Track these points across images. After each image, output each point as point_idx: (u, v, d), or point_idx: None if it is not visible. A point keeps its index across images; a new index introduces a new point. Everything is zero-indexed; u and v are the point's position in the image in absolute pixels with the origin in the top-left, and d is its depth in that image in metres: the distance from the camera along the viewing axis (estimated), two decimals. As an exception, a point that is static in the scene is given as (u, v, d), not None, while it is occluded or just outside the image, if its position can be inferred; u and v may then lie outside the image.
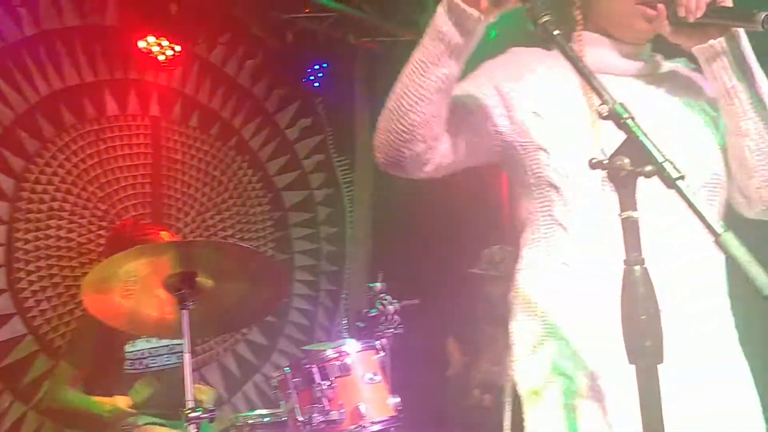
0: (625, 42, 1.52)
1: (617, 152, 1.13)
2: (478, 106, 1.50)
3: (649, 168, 1.08)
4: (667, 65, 1.60)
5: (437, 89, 1.41)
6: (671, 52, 1.57)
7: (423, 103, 1.41)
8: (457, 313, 4.69)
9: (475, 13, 1.37)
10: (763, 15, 1.32)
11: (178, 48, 4.52)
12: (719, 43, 1.41)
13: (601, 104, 1.14)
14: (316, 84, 5.38)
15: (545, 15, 1.27)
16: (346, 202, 5.65)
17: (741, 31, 1.42)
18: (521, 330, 1.51)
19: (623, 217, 1.12)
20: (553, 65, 1.50)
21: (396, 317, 3.41)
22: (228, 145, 5.04)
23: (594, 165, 1.14)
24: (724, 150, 1.49)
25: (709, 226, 1.04)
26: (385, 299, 3.42)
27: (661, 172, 1.08)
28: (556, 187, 1.41)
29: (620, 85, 1.46)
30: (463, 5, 1.37)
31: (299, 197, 5.41)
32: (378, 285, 3.47)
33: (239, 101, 5.09)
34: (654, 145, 1.09)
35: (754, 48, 1.45)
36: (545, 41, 1.29)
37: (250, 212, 5.12)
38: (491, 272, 4.23)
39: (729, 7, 1.41)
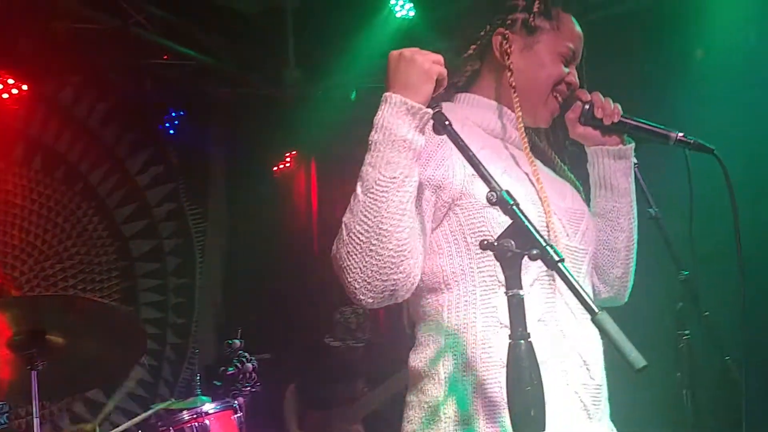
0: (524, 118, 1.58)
1: (503, 235, 1.22)
2: (422, 199, 1.42)
3: (535, 251, 1.18)
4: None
5: (414, 197, 1.34)
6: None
7: (406, 217, 1.32)
8: (308, 368, 4.66)
9: (430, 110, 1.34)
10: (676, 135, 1.50)
11: (24, 87, 4.28)
12: (627, 149, 1.59)
13: (490, 192, 1.24)
14: (172, 131, 5.27)
15: (437, 106, 1.36)
16: (196, 252, 5.51)
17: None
18: (440, 398, 1.41)
19: (510, 294, 1.21)
20: (462, 125, 1.52)
21: (254, 375, 3.36)
22: (73, 191, 4.79)
23: (484, 246, 1.23)
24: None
25: (587, 306, 1.15)
26: (244, 356, 3.37)
27: (544, 254, 1.18)
28: None
29: (514, 151, 1.57)
30: (423, 107, 1.33)
31: (148, 246, 5.22)
32: (236, 342, 3.40)
33: (88, 145, 4.88)
34: (536, 230, 1.20)
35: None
36: (438, 128, 1.35)
37: (95, 261, 4.86)
38: (350, 342, 4.23)
39: (642, 122, 1.56)
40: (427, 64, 1.35)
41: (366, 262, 1.32)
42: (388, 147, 1.33)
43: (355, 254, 1.33)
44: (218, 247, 5.62)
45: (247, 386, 3.35)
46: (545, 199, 1.48)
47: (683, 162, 1.63)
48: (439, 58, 1.38)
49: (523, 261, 1.15)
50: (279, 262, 5.60)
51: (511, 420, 1.19)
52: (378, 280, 1.33)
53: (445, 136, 1.39)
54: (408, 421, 1.46)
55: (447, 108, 1.51)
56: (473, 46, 1.58)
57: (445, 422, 1.39)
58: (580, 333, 1.43)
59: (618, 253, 1.63)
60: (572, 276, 1.17)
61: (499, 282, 1.37)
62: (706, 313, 2.15)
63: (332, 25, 4.99)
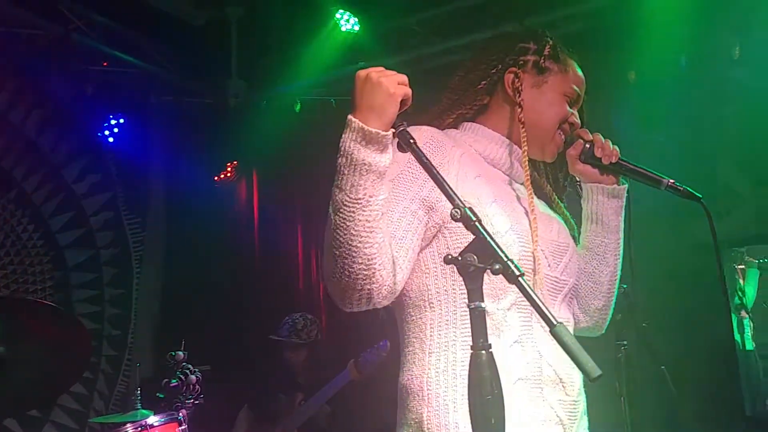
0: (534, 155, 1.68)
1: (466, 250, 1.28)
2: (410, 210, 1.51)
3: (497, 266, 1.24)
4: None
5: (381, 214, 1.41)
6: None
7: (374, 234, 1.39)
8: (253, 380, 4.64)
9: (389, 132, 1.38)
10: (668, 182, 1.61)
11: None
12: (622, 189, 1.70)
13: (454, 208, 1.30)
14: (111, 139, 5.17)
15: (401, 125, 1.41)
16: (134, 262, 5.41)
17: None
18: (424, 414, 1.47)
19: (471, 307, 1.27)
20: (463, 152, 1.62)
21: (198, 387, 3.33)
22: (6, 198, 4.65)
23: (448, 261, 1.28)
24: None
25: (545, 318, 1.21)
26: (188, 368, 3.34)
27: (506, 269, 1.25)
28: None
29: (510, 182, 1.67)
30: (381, 132, 1.37)
31: (84, 256, 5.10)
32: (180, 353, 3.37)
33: (23, 151, 4.75)
34: (498, 246, 1.27)
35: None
36: (403, 146, 1.40)
37: (29, 271, 4.72)
38: (293, 339, 4.25)
39: (638, 166, 1.65)
40: (392, 87, 1.39)
41: (341, 274, 1.41)
42: (351, 171, 1.38)
43: (332, 267, 1.42)
44: (156, 258, 5.53)
45: (190, 398, 3.32)
46: (534, 230, 1.57)
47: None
48: (404, 78, 1.43)
49: (502, 286, 1.22)
50: (219, 273, 5.55)
51: (473, 427, 1.24)
52: (353, 289, 1.41)
53: (447, 159, 1.52)
54: None
55: (451, 135, 1.65)
56: (483, 82, 1.68)
57: None
58: (556, 353, 1.49)
59: (601, 285, 1.72)
60: (532, 290, 1.23)
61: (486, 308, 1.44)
62: (645, 324, 2.27)
63: (277, 37, 5.01)
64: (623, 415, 2.22)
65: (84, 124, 5.04)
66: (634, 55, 3.93)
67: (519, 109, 1.64)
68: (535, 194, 1.68)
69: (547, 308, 1.21)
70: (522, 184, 1.67)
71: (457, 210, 1.30)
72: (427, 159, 1.38)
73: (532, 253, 1.56)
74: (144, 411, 3.34)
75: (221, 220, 5.81)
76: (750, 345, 4.72)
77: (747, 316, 4.81)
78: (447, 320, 1.51)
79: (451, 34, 4.67)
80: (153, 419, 2.89)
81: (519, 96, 1.64)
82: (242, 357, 4.91)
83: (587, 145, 1.69)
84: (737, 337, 4.73)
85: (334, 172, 1.43)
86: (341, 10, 4.74)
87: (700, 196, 1.61)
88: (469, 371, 1.26)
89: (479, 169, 1.62)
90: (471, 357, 1.26)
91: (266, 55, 5.16)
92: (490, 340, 1.48)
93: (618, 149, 1.67)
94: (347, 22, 4.77)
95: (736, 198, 4.43)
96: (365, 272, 1.39)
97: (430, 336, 1.52)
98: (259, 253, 5.68)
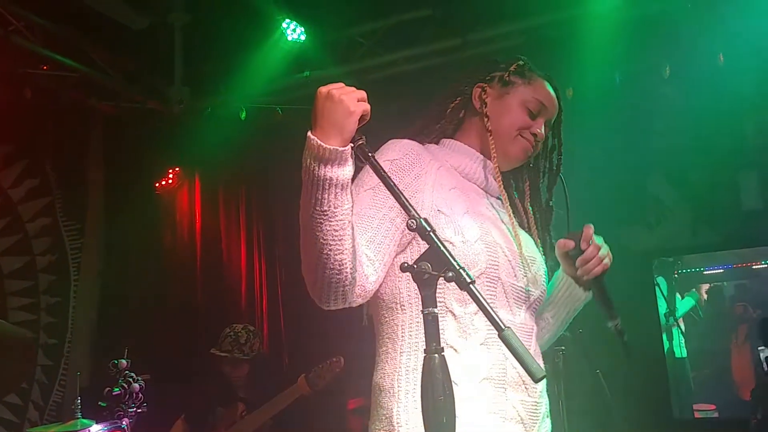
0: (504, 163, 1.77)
1: (421, 258, 1.35)
2: (389, 217, 1.60)
3: (450, 273, 1.31)
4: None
5: (348, 222, 1.47)
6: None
7: (342, 241, 1.46)
8: (192, 391, 4.58)
9: (348, 148, 1.44)
10: (615, 322, 1.71)
11: None
12: (586, 297, 1.83)
13: (410, 219, 1.36)
14: (49, 144, 5.06)
15: (360, 139, 1.47)
16: (72, 270, 5.30)
17: None
18: (394, 410, 1.56)
19: (425, 312, 1.33)
20: (440, 165, 1.71)
21: (141, 395, 3.29)
22: (-62, 204, 4.51)
23: (404, 268, 1.35)
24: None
25: (494, 323, 1.29)
26: (131, 376, 3.29)
27: (458, 276, 1.32)
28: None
29: (484, 195, 1.76)
30: (339, 148, 1.42)
31: (19, 263, 4.97)
32: (123, 361, 3.32)
33: (-44, 156, 4.62)
34: (451, 254, 1.34)
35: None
36: (362, 160, 1.46)
37: (-39, 279, 4.59)
38: (236, 354, 4.16)
39: (606, 299, 1.75)
40: (352, 105, 1.44)
41: (316, 278, 1.50)
42: (313, 186, 1.43)
43: (307, 271, 1.52)
44: (95, 265, 5.42)
45: (133, 407, 3.28)
46: (505, 241, 1.67)
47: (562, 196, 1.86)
48: (364, 95, 1.49)
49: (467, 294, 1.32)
50: (160, 281, 5.48)
51: (425, 427, 1.31)
52: (328, 291, 1.50)
53: (424, 170, 1.63)
54: None
55: (431, 149, 1.75)
56: (458, 98, 1.81)
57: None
58: None
59: (546, 332, 1.88)
60: (482, 297, 1.31)
61: (447, 308, 1.57)
62: (580, 331, 2.38)
63: (222, 44, 5.00)
64: (561, 417, 2.32)
65: (22, 129, 4.91)
66: (571, 73, 4.08)
67: (486, 119, 1.75)
68: (512, 211, 1.79)
69: (496, 314, 1.29)
70: (499, 197, 1.78)
71: (412, 221, 1.36)
72: (384, 172, 1.44)
73: (499, 262, 1.64)
74: (84, 420, 3.28)
75: (162, 226, 5.74)
76: (681, 353, 4.94)
77: (676, 324, 5.03)
78: (418, 322, 1.60)
79: (395, 46, 4.77)
80: (95, 428, 2.85)
81: (486, 107, 1.76)
82: (182, 367, 4.86)
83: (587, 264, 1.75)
84: (666, 344, 4.95)
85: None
86: (288, 20, 4.77)
87: (625, 336, 1.72)
88: (422, 374, 1.32)
89: (455, 182, 1.72)
90: (424, 360, 1.33)
91: (211, 62, 5.14)
92: (459, 341, 1.60)
93: (609, 263, 1.74)
94: (293, 31, 4.80)
95: (665, 209, 4.65)
96: (338, 276, 1.48)
97: (402, 336, 1.62)
98: (200, 261, 5.63)
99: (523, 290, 1.71)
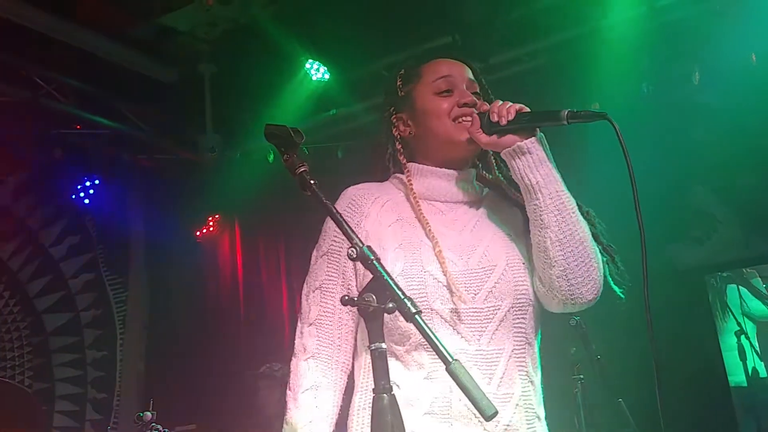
0: (454, 162, 1.66)
1: (365, 290, 1.25)
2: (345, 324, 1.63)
3: (391, 304, 1.21)
4: (487, 191, 1.74)
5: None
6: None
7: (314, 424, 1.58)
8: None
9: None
10: (566, 112, 1.46)
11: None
12: (525, 144, 1.52)
13: (351, 247, 1.27)
14: (87, 200, 5.17)
15: (302, 166, 1.39)
16: (117, 323, 5.37)
17: (542, 135, 1.54)
18: None
19: (372, 348, 1.23)
20: (388, 200, 1.66)
21: (168, 447, 3.27)
22: (-19, 267, 4.65)
23: (345, 302, 1.25)
24: (531, 263, 1.59)
25: (440, 355, 1.17)
26: (156, 428, 3.27)
27: (402, 307, 1.21)
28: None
29: (445, 209, 1.65)
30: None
31: (63, 320, 5.06)
32: (148, 414, 3.31)
33: (-2, 219, 4.76)
34: (395, 284, 1.23)
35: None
36: (303, 189, 1.38)
37: (5, 338, 4.68)
38: (265, 371, 4.22)
39: (536, 111, 1.54)
40: None
41: None
42: None
43: None
44: (140, 317, 5.48)
45: (159, 458, 3.25)
46: (444, 263, 1.53)
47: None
48: None
49: (407, 327, 1.21)
50: (205, 329, 5.49)
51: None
52: None
53: (363, 216, 1.62)
54: None
55: (390, 183, 1.73)
56: (388, 145, 1.74)
57: None
58: None
59: (548, 252, 1.53)
60: (428, 328, 1.20)
61: (394, 351, 1.54)
62: (598, 357, 2.21)
63: (249, 89, 5.05)
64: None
65: (58, 188, 5.04)
66: (596, 86, 3.94)
67: (399, 145, 1.70)
68: (494, 192, 1.71)
69: (443, 346, 1.17)
70: (465, 203, 1.68)
71: (353, 249, 1.27)
72: (326, 200, 1.36)
73: (428, 291, 1.51)
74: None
75: (204, 273, 5.77)
76: (765, 372, 4.60)
77: (749, 340, 4.71)
78: (368, 364, 1.55)
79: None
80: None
81: (399, 136, 1.71)
82: (225, 414, 4.82)
83: (485, 116, 1.57)
84: (732, 363, 4.62)
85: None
86: (311, 60, 4.80)
87: (605, 112, 1.45)
88: (372, 414, 1.22)
89: (398, 214, 1.63)
90: (373, 400, 1.22)
91: (239, 109, 5.20)
92: (402, 375, 1.52)
93: (519, 105, 1.54)
94: (317, 71, 4.82)
95: (714, 222, 4.39)
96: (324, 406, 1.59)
97: (357, 378, 1.62)
98: (244, 304, 5.62)
99: (481, 309, 1.54)
